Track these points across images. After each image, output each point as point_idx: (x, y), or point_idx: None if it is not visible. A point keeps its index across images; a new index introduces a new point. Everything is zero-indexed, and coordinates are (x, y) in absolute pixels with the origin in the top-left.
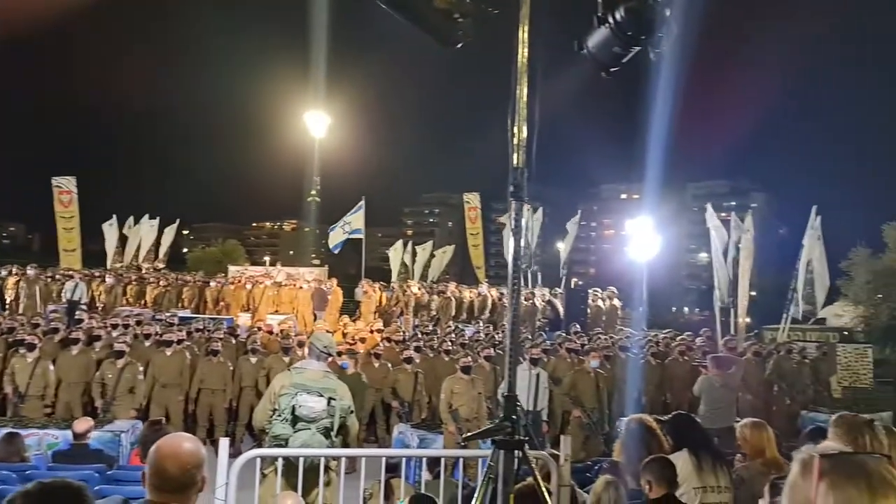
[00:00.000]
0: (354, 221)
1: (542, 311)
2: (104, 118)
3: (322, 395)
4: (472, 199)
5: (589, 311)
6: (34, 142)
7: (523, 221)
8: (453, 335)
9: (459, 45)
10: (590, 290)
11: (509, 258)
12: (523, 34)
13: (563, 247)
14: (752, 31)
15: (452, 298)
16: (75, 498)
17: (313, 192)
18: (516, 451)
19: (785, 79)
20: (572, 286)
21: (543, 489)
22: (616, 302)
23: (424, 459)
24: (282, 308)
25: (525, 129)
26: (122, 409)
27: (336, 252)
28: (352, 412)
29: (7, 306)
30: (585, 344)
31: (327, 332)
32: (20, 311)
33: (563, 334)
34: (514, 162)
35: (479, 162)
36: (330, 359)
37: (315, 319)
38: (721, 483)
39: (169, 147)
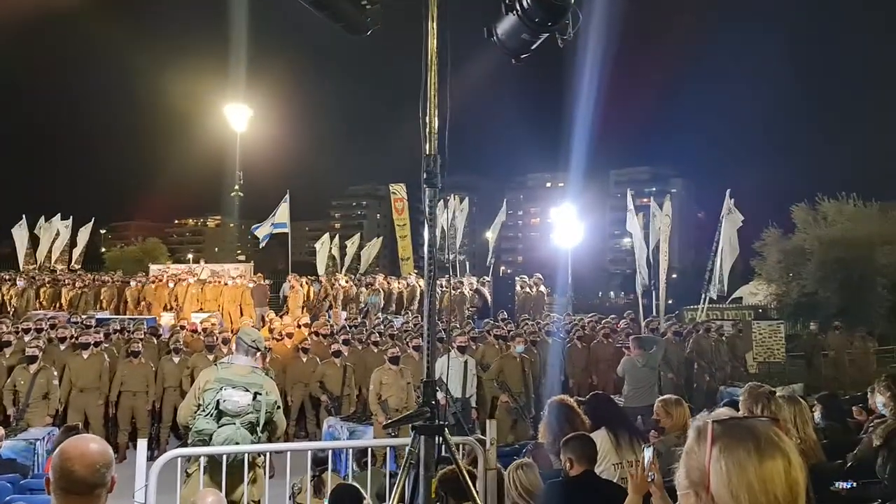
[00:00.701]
0: (279, 215)
1: (470, 300)
2: (9, 114)
3: (248, 390)
4: (399, 190)
5: (516, 298)
6: None
7: (438, 209)
8: (382, 327)
9: (369, 33)
10: (517, 278)
11: (425, 246)
12: (431, 22)
13: (490, 235)
14: (668, 16)
15: (381, 290)
16: None
17: (236, 186)
18: (437, 437)
19: (700, 64)
20: (500, 274)
21: (465, 473)
22: (543, 288)
23: (352, 451)
24: (206, 306)
25: (436, 117)
26: (36, 416)
27: (262, 246)
28: (279, 408)
29: None
30: (512, 330)
31: (254, 327)
32: None
33: (491, 321)
34: (426, 150)
35: (405, 152)
36: (258, 354)
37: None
38: (638, 458)
39: (82, 143)
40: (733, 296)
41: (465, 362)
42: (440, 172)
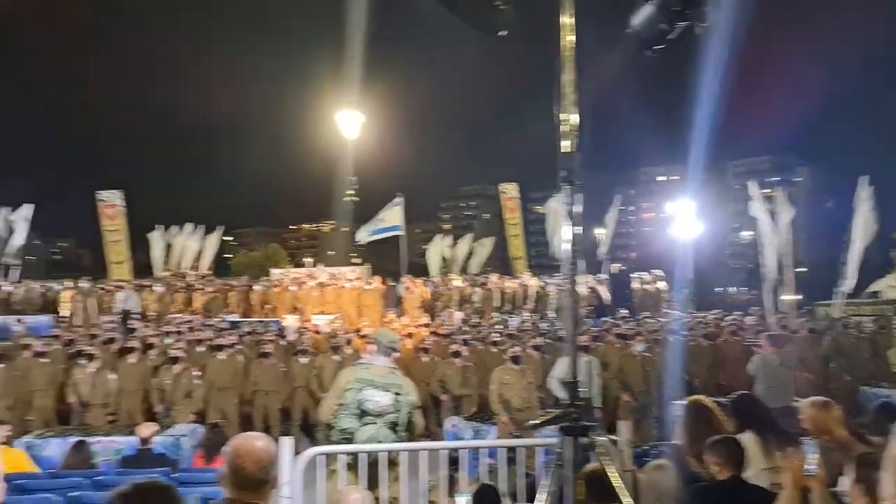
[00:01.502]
0: (391, 218)
1: (586, 299)
2: (143, 130)
3: (388, 390)
4: (509, 190)
5: (634, 295)
6: (79, 157)
7: (578, 207)
8: (499, 326)
9: (502, 34)
10: (633, 275)
11: (565, 245)
12: (568, 16)
13: (603, 232)
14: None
15: (495, 290)
16: (165, 495)
17: (350, 191)
18: (582, 437)
19: (826, 47)
20: (614, 271)
21: (613, 474)
22: (661, 285)
23: (482, 450)
24: (327, 308)
25: (573, 113)
26: (180, 414)
27: (364, 245)
28: (417, 407)
29: (65, 319)
30: (633, 328)
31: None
32: (77, 323)
33: (610, 320)
34: (564, 147)
35: (515, 152)
36: (395, 354)
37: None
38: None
39: (206, 155)
40: (870, 289)
41: (588, 362)
42: (577, 170)
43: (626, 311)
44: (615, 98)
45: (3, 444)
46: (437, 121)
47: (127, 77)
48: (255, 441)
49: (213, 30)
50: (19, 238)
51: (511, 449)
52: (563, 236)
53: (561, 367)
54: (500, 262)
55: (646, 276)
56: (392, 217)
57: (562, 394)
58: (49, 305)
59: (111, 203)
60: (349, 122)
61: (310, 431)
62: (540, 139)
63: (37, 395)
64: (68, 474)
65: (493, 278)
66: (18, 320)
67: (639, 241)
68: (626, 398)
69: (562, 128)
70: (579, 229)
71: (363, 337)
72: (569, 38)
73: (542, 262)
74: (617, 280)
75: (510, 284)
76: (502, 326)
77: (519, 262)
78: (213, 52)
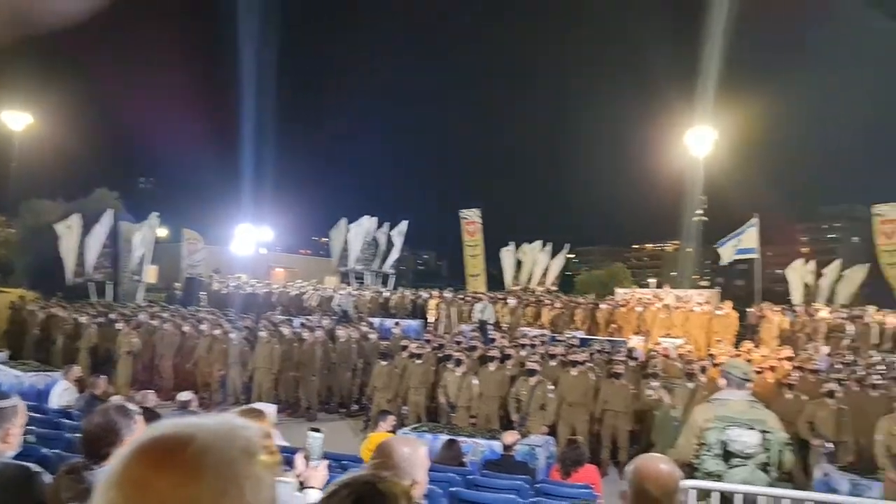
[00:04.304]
0: (746, 240)
1: None
2: (499, 153)
3: (754, 428)
4: (888, 212)
5: None
6: (442, 178)
7: None
8: (881, 367)
9: None
10: None
11: None
12: None
13: None
14: None
15: (873, 324)
16: None
17: (699, 211)
18: None
19: None
20: None
21: None
22: None
23: None
24: (674, 331)
25: None
26: (534, 424)
27: (724, 265)
28: (789, 445)
29: (431, 325)
30: None
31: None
32: (440, 329)
33: None
34: None
35: (892, 170)
36: (750, 385)
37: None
38: None
39: (554, 175)
40: None
41: None
42: None
43: None
44: None
45: (390, 432)
46: (799, 137)
47: (486, 102)
48: (660, 464)
49: (563, 53)
50: (397, 251)
51: None
52: None
53: None
54: (871, 293)
55: None
56: (748, 239)
57: None
58: (418, 311)
59: (472, 220)
60: (700, 140)
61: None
62: None
63: (412, 392)
64: (444, 469)
65: (871, 311)
66: (396, 323)
67: None
68: None
69: None
70: None
71: (717, 365)
72: None
73: None
74: None
75: (892, 319)
76: (884, 367)
77: None
78: (562, 73)
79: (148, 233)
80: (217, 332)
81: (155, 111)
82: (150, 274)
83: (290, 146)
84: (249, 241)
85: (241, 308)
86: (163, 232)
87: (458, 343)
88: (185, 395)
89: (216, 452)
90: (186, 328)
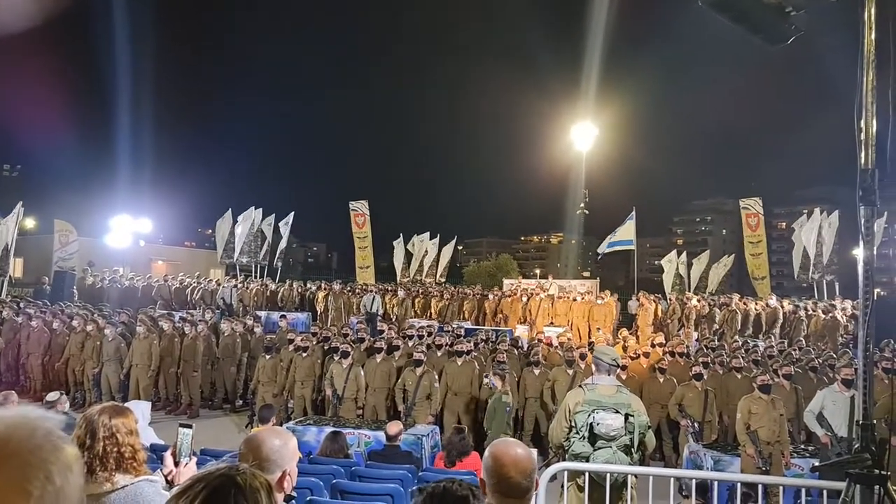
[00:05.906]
0: (622, 232)
1: (844, 327)
2: (388, 147)
3: (619, 412)
4: (752, 205)
5: None
6: (333, 170)
7: (874, 227)
8: (743, 350)
9: (789, 42)
10: None
11: (859, 268)
12: (869, 14)
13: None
14: None
15: (738, 311)
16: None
17: (581, 204)
18: (876, 488)
19: None
20: (876, 296)
21: None
22: None
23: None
24: (557, 320)
25: (875, 123)
26: (420, 414)
27: (600, 259)
28: (649, 428)
29: (318, 317)
30: None
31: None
32: (329, 322)
33: (878, 352)
34: (863, 162)
35: (759, 165)
36: (618, 371)
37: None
38: None
39: (442, 168)
40: None
41: (852, 398)
42: (877, 188)
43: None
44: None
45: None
46: (674, 133)
47: (371, 97)
48: (516, 448)
49: (445, 52)
50: (283, 243)
51: (749, 485)
52: (859, 259)
53: (818, 402)
54: (737, 282)
55: None
56: (625, 231)
57: (820, 431)
58: (306, 304)
59: (360, 212)
60: (583, 135)
61: (540, 443)
62: (785, 152)
63: (297, 386)
64: (327, 461)
65: (736, 298)
66: (283, 316)
67: None
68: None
69: (860, 138)
70: (813, 248)
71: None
72: (871, 37)
73: (786, 283)
74: (882, 306)
75: (754, 306)
76: (745, 351)
77: (762, 283)
78: (446, 71)
79: (11, 224)
80: (90, 328)
81: (22, 94)
82: (15, 267)
83: (173, 137)
84: (127, 233)
85: (118, 303)
86: (30, 223)
87: (346, 335)
88: (52, 396)
89: (16, 441)
90: (56, 325)
